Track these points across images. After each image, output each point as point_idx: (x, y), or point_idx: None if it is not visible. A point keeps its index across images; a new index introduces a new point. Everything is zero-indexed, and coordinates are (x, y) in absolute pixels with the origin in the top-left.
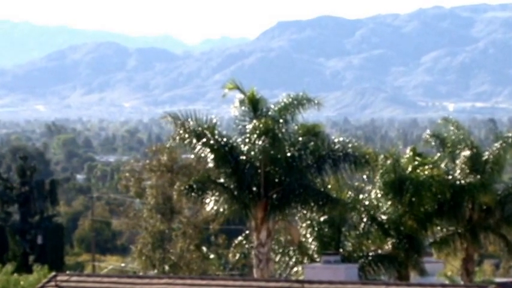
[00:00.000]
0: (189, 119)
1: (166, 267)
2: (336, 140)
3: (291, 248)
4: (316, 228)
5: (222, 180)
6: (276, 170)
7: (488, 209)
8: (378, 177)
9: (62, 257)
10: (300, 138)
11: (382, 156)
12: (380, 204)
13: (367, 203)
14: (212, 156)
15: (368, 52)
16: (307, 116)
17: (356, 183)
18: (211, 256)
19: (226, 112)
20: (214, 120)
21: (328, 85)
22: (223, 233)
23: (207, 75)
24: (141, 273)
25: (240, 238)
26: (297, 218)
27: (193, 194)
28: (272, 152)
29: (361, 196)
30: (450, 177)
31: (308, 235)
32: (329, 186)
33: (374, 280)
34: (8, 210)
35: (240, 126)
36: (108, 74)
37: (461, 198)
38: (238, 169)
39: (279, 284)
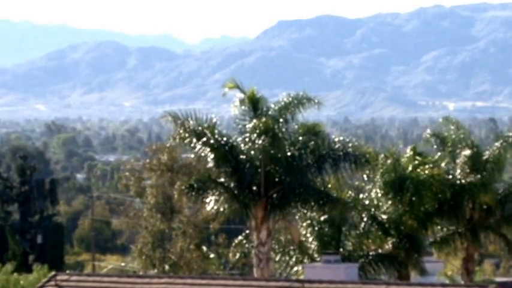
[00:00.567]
0: (189, 119)
1: (167, 267)
2: (336, 140)
3: (291, 248)
4: (316, 228)
5: (222, 180)
6: (276, 170)
7: (489, 209)
8: (378, 177)
9: (62, 257)
10: (300, 138)
11: (382, 155)
12: (380, 203)
13: (367, 202)
14: (212, 155)
15: (368, 51)
16: (307, 115)
17: (356, 183)
18: (212, 255)
19: (226, 111)
20: (214, 120)
21: (328, 84)
22: (224, 232)
23: (207, 74)
24: (141, 273)
25: (240, 237)
26: (297, 217)
27: (193, 193)
28: (272, 152)
29: (361, 195)
30: (450, 176)
31: (308, 234)
32: (329, 186)
33: (374, 280)
34: (8, 209)
35: (240, 126)
36: (108, 73)
37: (461, 197)
38: (238, 168)
39: (279, 284)
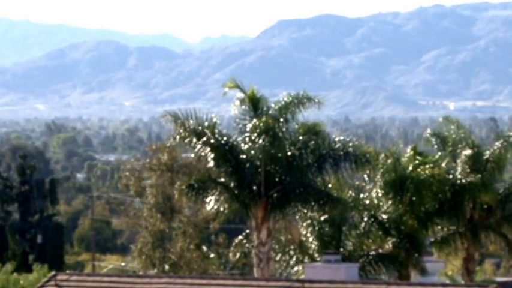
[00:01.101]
0: (189, 118)
1: (167, 267)
2: (336, 139)
3: (292, 247)
4: (316, 228)
5: (222, 180)
6: (277, 169)
7: (489, 208)
8: (378, 177)
9: (62, 256)
10: (301, 137)
11: (382, 155)
12: (381, 203)
13: (367, 202)
14: (212, 155)
15: (368, 51)
16: (307, 114)
17: (357, 183)
18: (212, 255)
19: (226, 111)
20: (214, 119)
21: (328, 84)
22: (224, 232)
23: (207, 73)
24: (141, 273)
25: (240, 237)
26: (297, 217)
27: (193, 193)
28: (272, 151)
29: (361, 195)
30: (451, 176)
31: (308, 234)
32: (329, 186)
33: (374, 280)
34: (8, 209)
35: (240, 125)
36: (108, 73)
37: (462, 197)
38: (238, 168)
39: (280, 284)
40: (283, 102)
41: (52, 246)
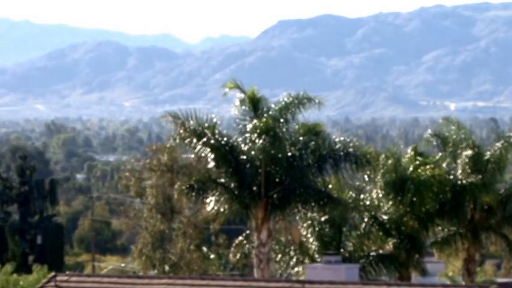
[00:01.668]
0: (190, 119)
1: (167, 267)
2: (336, 140)
3: (292, 248)
4: (317, 228)
5: (222, 180)
6: (277, 170)
7: (490, 209)
8: (379, 177)
9: (62, 257)
10: (301, 138)
11: (383, 155)
12: (381, 204)
13: (368, 202)
14: (212, 155)
15: (369, 51)
16: (308, 115)
17: (357, 183)
18: (212, 256)
19: (226, 111)
20: (214, 120)
21: (329, 84)
22: (224, 233)
23: (208, 74)
24: (141, 274)
25: (240, 238)
26: (297, 217)
27: (193, 193)
28: (273, 152)
29: (362, 196)
30: (451, 177)
31: (309, 235)
32: (330, 186)
33: (375, 280)
34: (8, 210)
35: (240, 126)
36: (108, 73)
37: (462, 198)
38: (238, 169)
39: (280, 284)
40: (283, 103)
41: (52, 247)
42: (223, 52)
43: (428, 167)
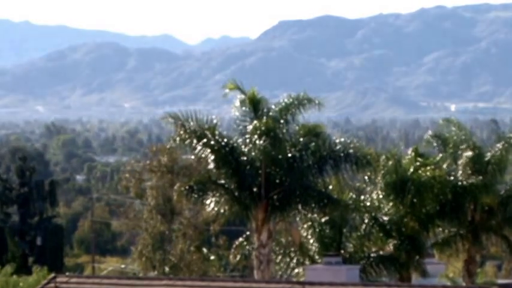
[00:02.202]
0: (190, 120)
1: (167, 269)
2: (337, 141)
3: (292, 249)
4: (317, 229)
5: (222, 181)
6: (277, 171)
7: (491, 210)
8: (379, 178)
9: (62, 258)
10: (301, 139)
11: (383, 156)
12: (381, 205)
13: (368, 204)
14: (213, 157)
15: (369, 52)
16: (308, 116)
17: (357, 184)
18: (212, 257)
19: (226, 112)
20: (214, 121)
21: (329, 85)
22: (224, 234)
23: (208, 75)
24: (141, 275)
25: (240, 239)
26: (298, 219)
27: (193, 195)
28: (273, 153)
29: (362, 197)
30: (452, 178)
31: (309, 236)
32: (330, 187)
33: (375, 281)
34: (7, 211)
35: (240, 127)
36: (108, 74)
37: (463, 199)
38: (239, 170)
39: (280, 286)
40: (283, 104)
41: (52, 248)
42: (224, 53)
43: (428, 168)
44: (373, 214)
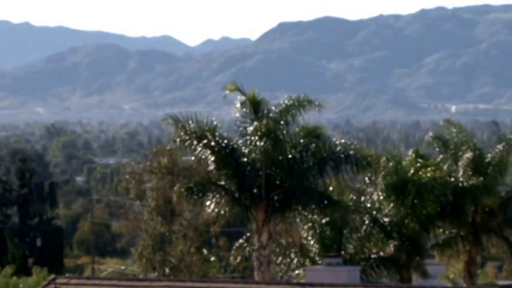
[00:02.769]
0: (190, 121)
1: (167, 270)
2: (337, 142)
3: (293, 251)
4: (317, 231)
5: (222, 183)
6: (277, 172)
7: (491, 211)
8: (379, 180)
9: (62, 260)
10: (302, 140)
11: (384, 158)
12: (382, 206)
13: (369, 205)
14: (213, 158)
15: (370, 54)
16: (308, 118)
17: (358, 185)
18: (212, 258)
19: (227, 114)
20: (215, 122)
21: (329, 87)
22: (224, 235)
23: (208, 77)
24: (141, 276)
25: (241, 241)
26: (298, 220)
27: (193, 196)
28: (273, 154)
29: (362, 198)
30: (453, 179)
31: (309, 237)
32: (330, 188)
33: (376, 283)
34: (7, 212)
35: (241, 128)
36: (108, 76)
37: (463, 200)
38: (239, 171)
39: (281, 287)
40: (283, 105)
41: (51, 250)
42: (224, 55)
43: (429, 169)
44: (373, 215)
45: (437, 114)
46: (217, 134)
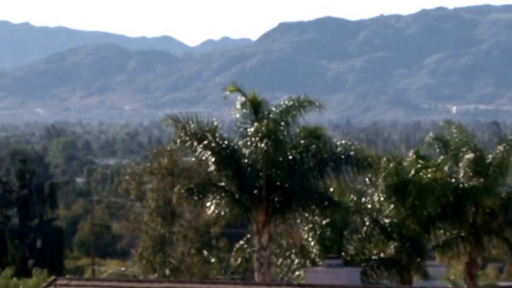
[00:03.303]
0: (190, 122)
1: (167, 271)
2: (338, 143)
3: (293, 252)
4: (318, 232)
5: (223, 184)
6: (278, 173)
7: (492, 212)
8: (380, 180)
9: (62, 261)
10: (302, 141)
11: (384, 159)
12: (382, 207)
13: (369, 206)
14: (213, 159)
15: (370, 54)
16: (309, 118)
17: (358, 186)
18: (212, 260)
19: (227, 115)
20: (215, 123)
21: (330, 87)
22: (225, 236)
23: (208, 77)
24: (141, 277)
25: (241, 242)
26: (298, 221)
27: (194, 197)
28: (274, 155)
29: (363, 199)
30: (453, 180)
31: (310, 238)
32: (331, 189)
33: (376, 284)
34: (7, 213)
35: (241, 129)
36: (108, 76)
37: (464, 201)
38: (239, 172)
39: None
40: (284, 106)
41: (52, 251)
42: (224, 55)
43: (430, 170)
44: (374, 216)
45: (438, 114)
46: (217, 134)
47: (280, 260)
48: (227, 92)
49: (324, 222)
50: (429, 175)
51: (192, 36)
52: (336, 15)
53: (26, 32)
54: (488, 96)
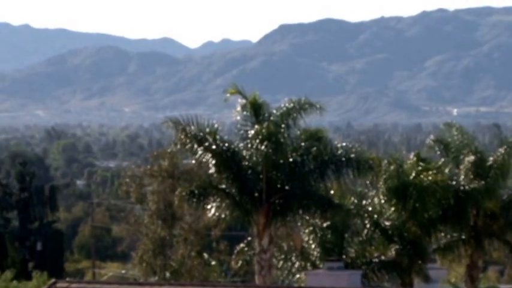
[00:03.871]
0: (191, 124)
1: (167, 274)
2: (338, 145)
3: (294, 254)
4: (318, 234)
5: (223, 186)
6: (278, 176)
7: (493, 215)
8: (381, 183)
9: (62, 264)
10: (303, 144)
11: (385, 161)
12: (383, 210)
13: (370, 208)
14: (214, 161)
15: (371, 56)
16: (309, 120)
17: (359, 189)
18: (213, 263)
19: (227, 117)
20: (215, 125)
21: (330, 89)
22: (225, 239)
23: (208, 79)
24: (141, 280)
25: (242, 244)
26: (299, 224)
27: (194, 199)
28: (274, 158)
29: (364, 202)
30: (454, 182)
31: (311, 241)
32: (332, 192)
33: (377, 287)
34: (7, 216)
35: (242, 131)
36: (108, 78)
37: (465, 204)
38: (240, 174)
39: None
40: (285, 108)
41: (52, 254)
42: (224, 57)
43: (430, 172)
44: (375, 219)
45: (439, 117)
46: (218, 137)
47: (281, 262)
48: (227, 94)
49: (324, 224)
50: (430, 177)
51: (192, 38)
52: (336, 17)
53: (26, 34)
54: (489, 99)
